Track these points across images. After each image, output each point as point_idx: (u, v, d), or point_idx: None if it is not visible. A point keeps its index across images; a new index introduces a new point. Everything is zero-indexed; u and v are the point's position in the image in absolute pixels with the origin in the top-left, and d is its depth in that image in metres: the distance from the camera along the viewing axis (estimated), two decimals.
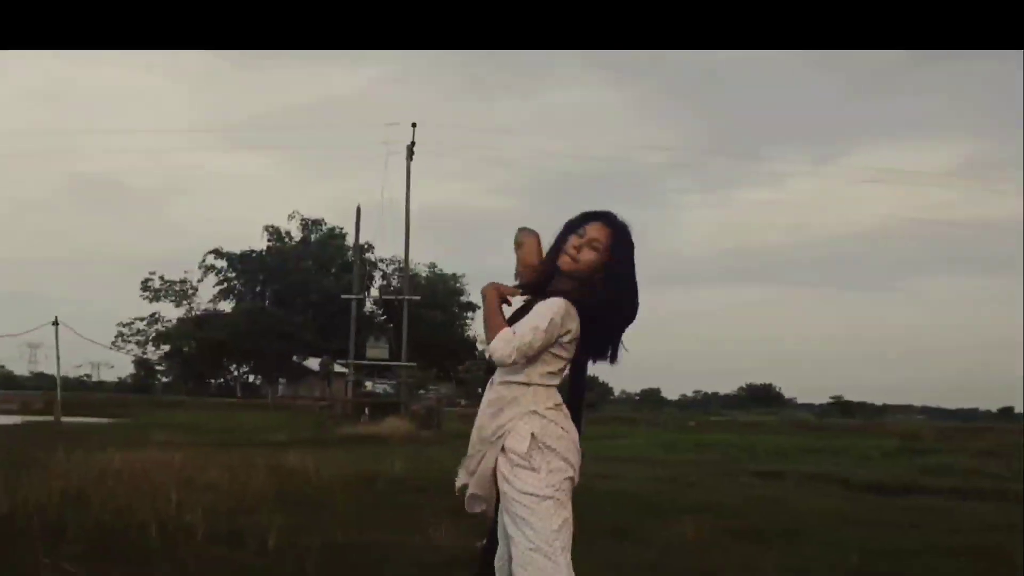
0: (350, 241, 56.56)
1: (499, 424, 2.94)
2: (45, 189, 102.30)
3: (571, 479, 2.90)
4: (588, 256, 3.02)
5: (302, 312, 62.78)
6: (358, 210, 37.10)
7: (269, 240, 67.44)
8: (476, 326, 67.40)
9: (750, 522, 7.86)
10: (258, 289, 66.78)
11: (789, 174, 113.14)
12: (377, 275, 67.09)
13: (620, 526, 6.91)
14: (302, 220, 67.95)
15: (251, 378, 71.64)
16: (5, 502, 6.58)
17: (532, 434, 2.88)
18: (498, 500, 2.95)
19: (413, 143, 34.93)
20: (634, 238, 3.08)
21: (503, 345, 2.88)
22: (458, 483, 3.08)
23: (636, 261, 3.09)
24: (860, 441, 24.99)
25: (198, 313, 65.81)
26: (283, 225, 68.00)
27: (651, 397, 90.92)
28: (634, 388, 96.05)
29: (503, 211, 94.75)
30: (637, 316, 3.09)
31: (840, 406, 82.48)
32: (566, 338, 2.95)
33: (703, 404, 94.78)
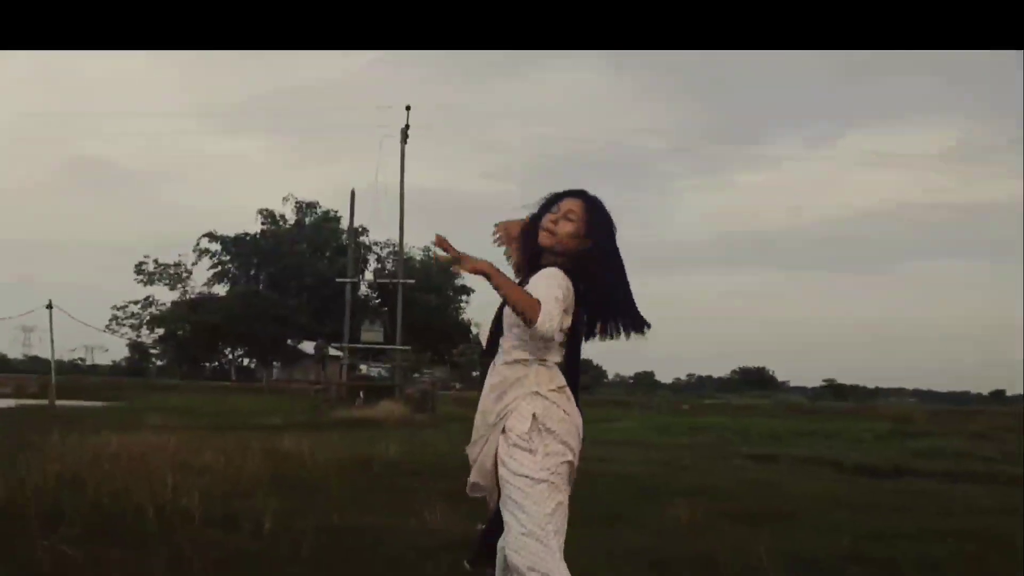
0: (344, 224, 56.55)
1: (503, 405, 2.94)
2: (38, 172, 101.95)
3: (569, 463, 2.89)
4: (565, 227, 3.04)
5: (296, 295, 62.79)
6: (352, 193, 36.99)
7: (263, 223, 67.36)
8: (471, 310, 67.39)
9: (744, 505, 7.90)
10: (252, 272, 66.73)
11: (784, 158, 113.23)
12: (372, 258, 67.07)
13: (614, 509, 6.94)
14: (296, 203, 67.89)
15: (245, 361, 71.68)
16: (2, 486, 6.58)
17: (534, 415, 2.88)
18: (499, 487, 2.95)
19: (407, 126, 34.81)
20: (618, 220, 3.10)
21: (548, 320, 2.79)
22: (472, 479, 3.07)
23: (618, 233, 3.12)
24: (852, 424, 25.08)
25: (192, 297, 65.78)
26: (277, 208, 67.97)
27: (645, 380, 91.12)
28: (628, 371, 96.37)
29: (498, 195, 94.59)
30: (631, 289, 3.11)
31: (833, 389, 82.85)
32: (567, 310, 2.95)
33: (697, 387, 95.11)
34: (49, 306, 32.31)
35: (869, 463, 12.76)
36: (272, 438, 11.88)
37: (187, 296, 66.15)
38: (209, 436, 11.81)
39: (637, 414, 28.94)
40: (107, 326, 65.62)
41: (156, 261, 65.94)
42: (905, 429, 22.76)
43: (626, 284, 3.09)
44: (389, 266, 63.52)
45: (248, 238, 66.12)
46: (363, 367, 41.78)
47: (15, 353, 75.93)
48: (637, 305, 3.09)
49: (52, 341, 32.97)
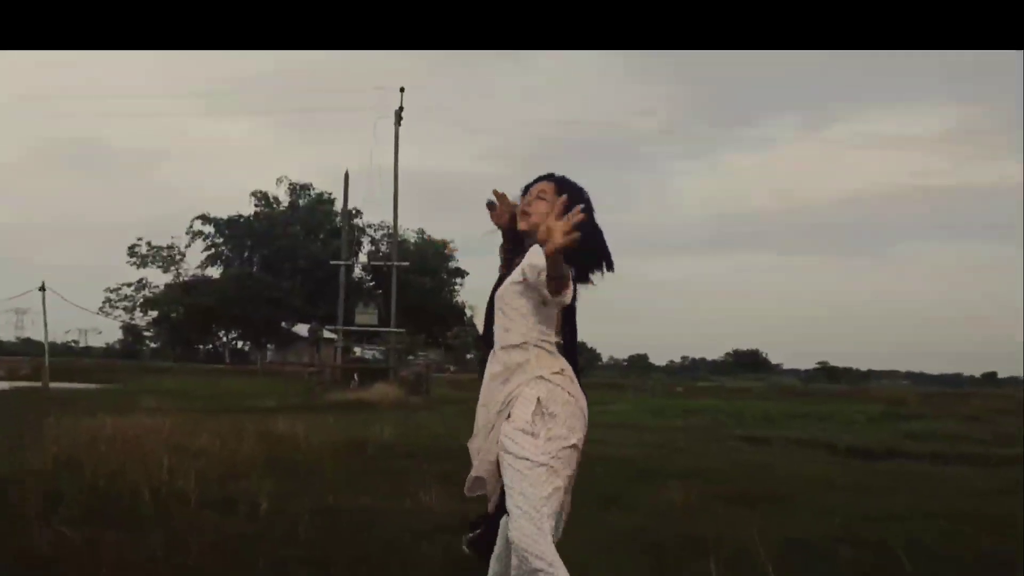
0: (338, 207, 56.42)
1: (507, 392, 2.95)
2: (29, 153, 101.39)
3: (573, 447, 2.90)
4: (539, 207, 3.08)
5: (290, 278, 62.65)
6: (346, 175, 36.92)
7: (257, 205, 67.13)
8: (465, 292, 67.39)
9: (737, 487, 7.94)
10: (246, 255, 66.53)
11: (777, 140, 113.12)
12: (365, 241, 66.92)
13: (609, 492, 6.97)
14: (290, 185, 67.66)
15: (240, 344, 71.61)
16: None
17: (538, 399, 2.88)
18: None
19: (401, 108, 34.68)
20: (613, 202, 3.14)
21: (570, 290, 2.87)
22: (474, 473, 3.05)
23: (594, 206, 3.16)
24: (845, 406, 25.18)
25: (186, 279, 65.60)
26: (271, 190, 67.73)
27: (639, 363, 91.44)
28: (622, 354, 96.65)
29: (492, 177, 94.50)
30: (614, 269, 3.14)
31: (826, 372, 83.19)
32: None
33: (690, 370, 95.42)
34: (42, 288, 32.25)
35: (862, 445, 12.81)
36: (267, 420, 11.90)
37: (180, 279, 65.97)
38: (204, 419, 11.82)
39: (631, 397, 29.07)
40: (100, 308, 65.55)
41: (149, 244, 65.76)
42: (898, 411, 22.85)
43: (602, 238, 3.15)
44: (383, 248, 63.40)
45: (242, 220, 65.91)
46: (357, 350, 41.83)
47: (8, 336, 75.97)
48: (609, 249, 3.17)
49: (45, 323, 32.99)
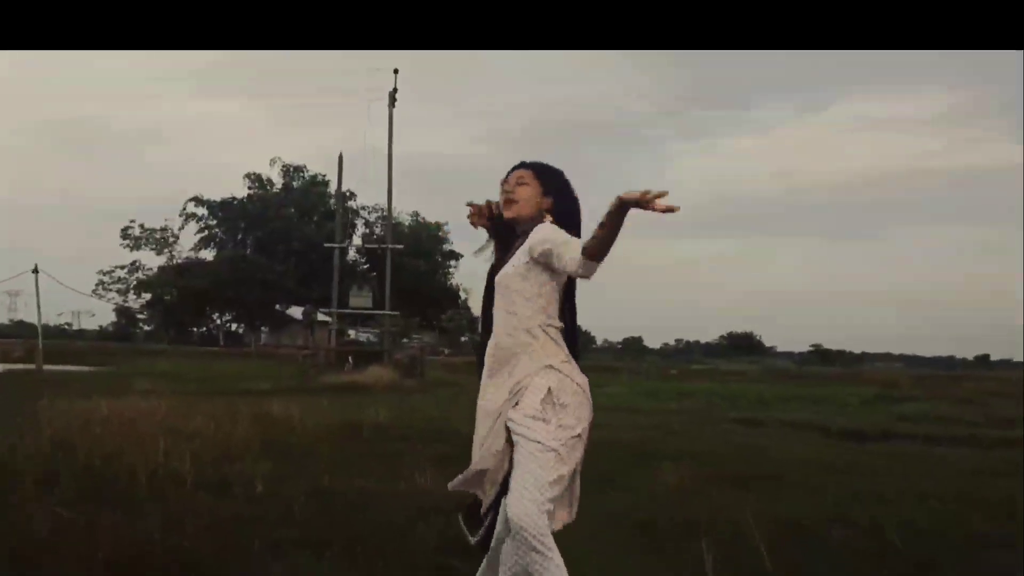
0: (332, 189, 56.22)
1: (515, 382, 2.93)
2: (19, 134, 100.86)
3: (579, 436, 2.92)
4: (523, 192, 3.08)
5: (284, 260, 62.55)
6: (340, 157, 36.76)
7: (250, 188, 66.95)
8: (459, 275, 67.35)
9: (731, 469, 7.97)
10: (239, 237, 66.41)
11: (774, 123, 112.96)
12: (359, 223, 66.85)
13: (603, 473, 6.98)
14: (283, 167, 67.48)
15: (233, 327, 71.56)
16: None
17: (548, 389, 2.89)
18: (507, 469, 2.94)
19: (395, 89, 34.53)
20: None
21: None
22: (473, 466, 3.02)
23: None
24: (839, 389, 25.29)
25: (179, 261, 65.47)
26: (264, 171, 67.53)
27: (633, 346, 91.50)
28: (616, 337, 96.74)
29: (486, 159, 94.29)
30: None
31: (820, 354, 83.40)
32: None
33: (685, 353, 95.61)
34: (35, 271, 32.14)
35: (855, 427, 12.87)
36: (261, 403, 11.91)
37: (174, 261, 65.87)
38: (198, 401, 11.83)
39: (626, 380, 29.09)
40: (94, 291, 65.44)
41: (142, 226, 65.61)
42: (891, 394, 22.95)
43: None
44: (377, 231, 63.31)
45: (235, 202, 65.73)
46: (351, 332, 41.87)
47: (1, 318, 75.81)
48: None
49: (39, 306, 32.85)
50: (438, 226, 67.39)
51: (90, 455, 6.59)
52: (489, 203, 3.24)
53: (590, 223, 3.07)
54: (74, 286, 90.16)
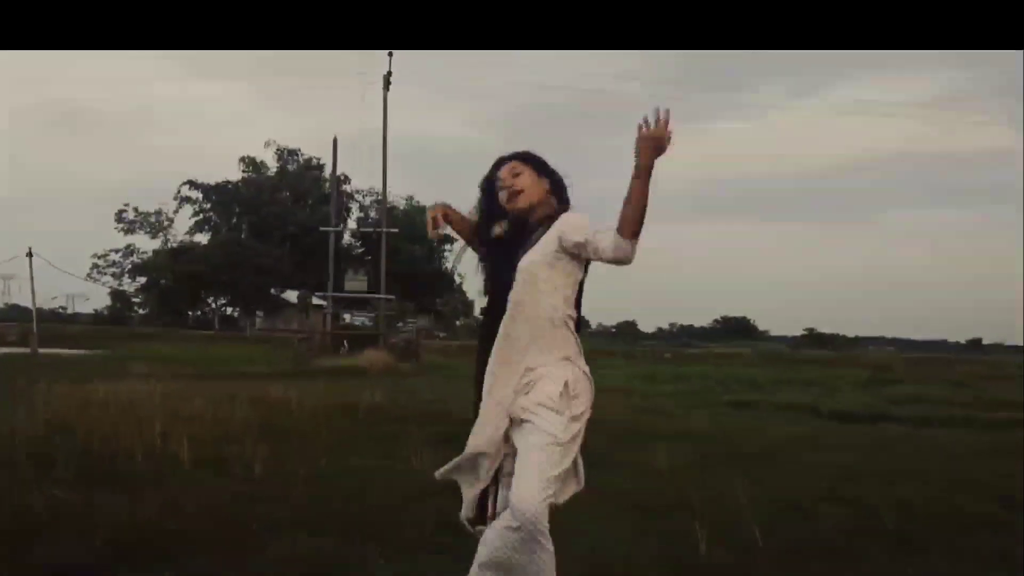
0: (327, 173, 56.07)
1: (530, 370, 2.92)
2: (13, 117, 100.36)
3: (585, 422, 2.96)
4: (524, 180, 3.04)
5: (279, 244, 62.39)
6: (335, 141, 36.72)
7: (244, 171, 66.68)
8: (453, 259, 67.17)
9: (724, 449, 8.05)
10: (234, 221, 66.17)
11: (767, 106, 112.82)
12: (354, 207, 66.64)
13: (597, 455, 7.01)
14: (278, 150, 67.15)
15: (228, 311, 71.41)
16: None
17: (565, 382, 2.90)
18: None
19: (390, 72, 34.41)
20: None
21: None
22: (472, 450, 2.98)
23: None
24: (832, 372, 25.38)
25: (174, 245, 65.29)
26: (259, 154, 67.24)
27: (627, 330, 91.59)
28: (610, 321, 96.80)
29: (481, 142, 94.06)
30: None
31: (813, 338, 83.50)
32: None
33: (679, 337, 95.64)
34: (29, 254, 32.09)
35: (847, 409, 12.94)
36: (258, 386, 11.95)
37: (168, 245, 65.67)
38: (195, 384, 11.87)
39: (620, 363, 29.15)
40: (88, 275, 65.28)
41: (136, 209, 65.36)
42: (883, 377, 23.03)
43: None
44: (372, 215, 63.16)
45: (230, 186, 65.47)
46: (347, 316, 41.84)
47: None
48: None
49: (33, 289, 32.85)
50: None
51: (88, 438, 6.62)
52: (447, 207, 3.18)
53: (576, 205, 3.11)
54: (68, 270, 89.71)
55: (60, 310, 74.48)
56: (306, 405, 9.84)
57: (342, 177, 55.15)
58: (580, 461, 3.02)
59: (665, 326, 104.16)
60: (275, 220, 62.91)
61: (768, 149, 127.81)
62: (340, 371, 19.88)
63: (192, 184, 64.71)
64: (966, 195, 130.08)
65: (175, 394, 9.60)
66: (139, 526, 4.38)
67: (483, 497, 3.04)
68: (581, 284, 3.04)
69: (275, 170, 67.12)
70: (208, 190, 65.14)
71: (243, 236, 64.52)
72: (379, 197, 46.15)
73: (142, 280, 66.43)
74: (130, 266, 66.01)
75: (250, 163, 66.76)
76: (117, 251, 65.77)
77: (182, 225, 66.24)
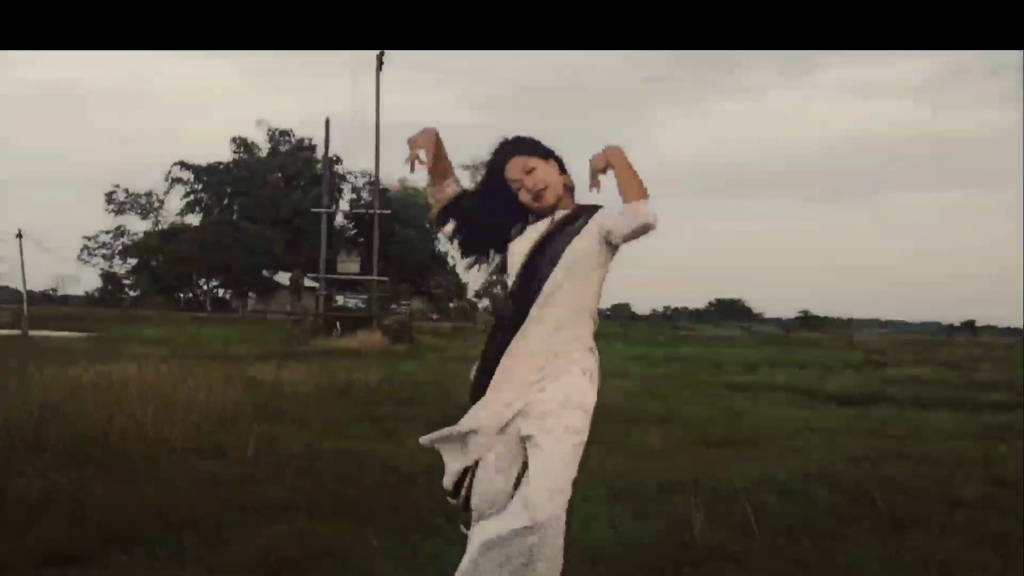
0: (319, 154, 55.86)
1: (558, 357, 2.88)
2: (2, 98, 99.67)
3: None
4: (543, 174, 2.95)
5: (271, 226, 62.24)
6: (327, 122, 36.46)
7: (236, 152, 66.40)
8: (447, 241, 67.13)
9: (717, 431, 8.07)
10: (225, 202, 65.97)
11: (760, 87, 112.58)
12: (347, 188, 66.49)
13: (591, 437, 7.05)
14: (269, 131, 66.89)
15: (220, 293, 71.30)
16: None
17: (591, 373, 2.90)
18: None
19: (382, 52, 34.16)
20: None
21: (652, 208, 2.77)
22: (464, 428, 2.92)
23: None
24: (825, 354, 25.49)
25: (164, 227, 65.09)
26: (251, 134, 66.97)
27: (621, 312, 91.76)
28: (604, 303, 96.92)
29: (475, 125, 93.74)
30: None
31: (807, 320, 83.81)
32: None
33: (673, 319, 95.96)
34: (19, 235, 31.94)
35: (840, 391, 12.99)
36: (251, 368, 11.94)
37: (159, 226, 65.47)
38: (188, 366, 11.81)
39: (614, 345, 29.20)
40: (79, 256, 65.09)
41: (127, 191, 65.10)
42: (876, 359, 23.13)
43: None
44: (365, 196, 63.01)
45: (221, 167, 65.23)
46: (339, 298, 41.75)
47: None
48: None
49: (23, 271, 32.69)
50: (426, 191, 66.98)
51: (80, 420, 6.59)
52: (433, 141, 3.01)
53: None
54: (58, 251, 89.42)
55: (51, 292, 74.21)
56: (299, 387, 9.83)
57: (334, 158, 54.97)
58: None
59: (659, 308, 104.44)
60: (267, 201, 62.73)
61: (761, 130, 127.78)
62: (333, 353, 19.86)
63: (183, 165, 64.46)
64: (961, 177, 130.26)
65: (167, 376, 9.56)
66: (132, 509, 4.37)
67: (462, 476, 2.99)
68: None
69: (267, 151, 66.87)
70: (199, 171, 64.90)
71: (234, 217, 64.34)
72: (372, 178, 46.04)
73: (133, 262, 66.25)
74: (121, 248, 65.84)
75: (241, 144, 66.52)
76: (107, 232, 65.59)
77: (173, 206, 66.08)
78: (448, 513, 3.91)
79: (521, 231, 3.03)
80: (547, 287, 2.88)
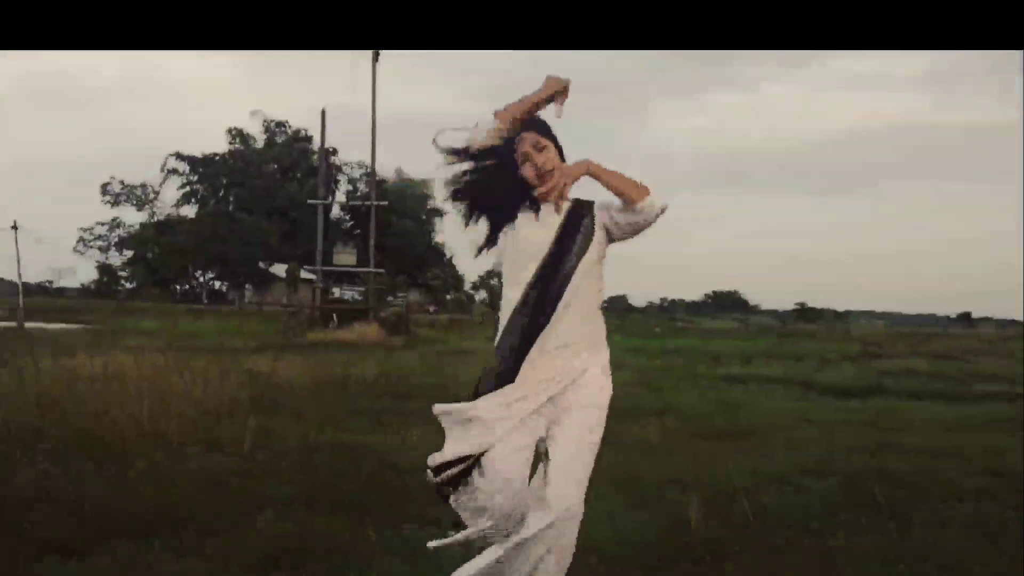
0: (315, 145, 55.76)
1: (580, 352, 2.90)
2: None
3: None
4: (551, 155, 2.92)
5: (267, 217, 62.14)
6: (323, 113, 36.37)
7: (231, 143, 66.27)
8: (444, 233, 67.11)
9: (714, 423, 8.06)
10: (221, 194, 65.85)
11: (759, 79, 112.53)
12: (343, 180, 66.39)
13: None
14: (265, 122, 66.75)
15: (217, 284, 71.22)
16: None
17: (605, 370, 2.92)
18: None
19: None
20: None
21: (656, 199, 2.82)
22: (469, 413, 2.88)
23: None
24: (822, 346, 25.49)
25: (160, 218, 64.97)
26: (246, 125, 66.83)
27: (618, 304, 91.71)
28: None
29: (471, 117, 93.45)
30: None
31: (803, 312, 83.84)
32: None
33: (670, 311, 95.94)
34: (14, 227, 31.85)
35: (836, 383, 12.99)
36: (247, 360, 11.92)
37: (155, 218, 65.34)
38: (184, 358, 11.79)
39: (610, 337, 29.20)
40: (74, 248, 64.97)
41: (122, 182, 64.98)
42: (873, 351, 23.15)
43: None
44: (361, 188, 62.93)
45: (217, 158, 65.08)
46: (336, 290, 41.74)
47: None
48: None
49: (19, 262, 32.64)
50: (423, 183, 66.99)
51: (77, 412, 6.58)
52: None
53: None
54: (54, 243, 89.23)
55: (46, 284, 74.07)
56: (296, 379, 9.82)
57: (330, 150, 54.86)
58: None
59: (656, 300, 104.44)
60: (263, 193, 62.62)
61: (759, 122, 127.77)
62: (330, 345, 19.83)
63: (178, 156, 64.32)
64: (959, 169, 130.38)
65: (164, 368, 9.55)
66: (129, 501, 4.36)
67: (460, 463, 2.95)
68: None
69: (263, 142, 66.74)
70: (195, 162, 64.76)
71: (230, 209, 64.22)
72: (368, 170, 45.96)
73: (129, 253, 66.14)
74: (116, 239, 65.71)
75: (237, 135, 66.38)
76: (103, 224, 65.47)
77: (169, 198, 65.98)
78: (446, 505, 3.90)
79: (528, 211, 2.94)
80: (572, 284, 2.87)
